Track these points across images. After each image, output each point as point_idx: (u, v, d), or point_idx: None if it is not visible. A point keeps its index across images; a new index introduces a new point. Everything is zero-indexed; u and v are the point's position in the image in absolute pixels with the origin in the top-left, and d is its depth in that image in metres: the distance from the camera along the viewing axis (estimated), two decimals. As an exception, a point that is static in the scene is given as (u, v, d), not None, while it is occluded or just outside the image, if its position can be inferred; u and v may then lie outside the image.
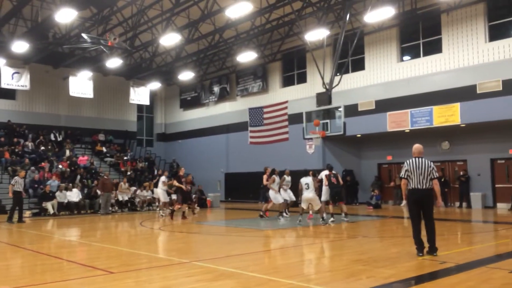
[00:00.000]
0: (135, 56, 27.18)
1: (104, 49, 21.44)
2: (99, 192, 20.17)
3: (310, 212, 14.99)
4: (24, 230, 13.67)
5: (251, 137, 25.93)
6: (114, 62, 24.03)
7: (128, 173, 25.13)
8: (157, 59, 27.58)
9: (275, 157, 23.94)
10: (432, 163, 7.86)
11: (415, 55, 21.10)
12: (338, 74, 20.00)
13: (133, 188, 22.33)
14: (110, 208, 20.14)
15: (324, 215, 13.74)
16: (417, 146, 8.01)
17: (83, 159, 25.07)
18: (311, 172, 14.58)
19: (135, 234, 13.22)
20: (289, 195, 15.72)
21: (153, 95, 30.94)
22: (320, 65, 19.72)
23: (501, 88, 17.65)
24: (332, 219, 13.84)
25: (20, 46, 20.57)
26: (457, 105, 18.54)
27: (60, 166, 23.15)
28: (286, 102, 24.45)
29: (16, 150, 23.78)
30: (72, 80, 25.59)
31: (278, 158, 23.47)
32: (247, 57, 23.51)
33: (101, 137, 29.03)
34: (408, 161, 7.87)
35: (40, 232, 13.51)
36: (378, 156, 24.03)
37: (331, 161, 22.28)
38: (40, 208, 18.99)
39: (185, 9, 20.37)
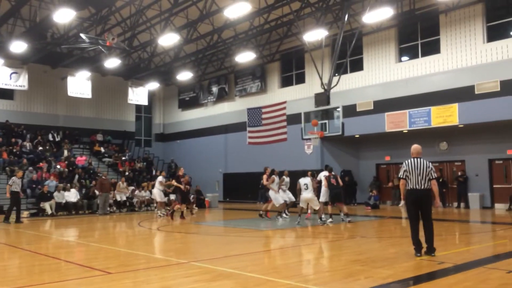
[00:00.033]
0: (134, 56, 27.15)
1: (103, 49, 21.45)
2: (97, 192, 20.18)
3: (309, 211, 15.02)
4: (22, 230, 13.65)
5: (250, 137, 25.97)
6: (112, 62, 23.99)
7: (126, 173, 25.10)
8: (156, 59, 27.55)
9: (274, 157, 23.94)
10: (430, 163, 7.87)
11: (413, 55, 21.13)
12: (336, 74, 20.02)
13: (131, 188, 22.33)
14: (108, 209, 20.14)
15: (323, 215, 13.81)
16: (415, 147, 8.03)
17: (81, 159, 25.04)
18: (309, 173, 14.68)
19: (133, 234, 13.21)
20: (288, 196, 15.72)
21: (151, 95, 30.89)
22: (319, 66, 19.75)
23: (499, 89, 17.66)
24: (330, 219, 13.89)
25: (18, 46, 20.55)
26: (455, 105, 18.58)
27: (58, 166, 23.11)
28: (285, 102, 24.51)
29: (14, 150, 23.73)
30: (70, 80, 25.56)
31: (277, 159, 23.47)
32: (245, 57, 23.49)
33: (99, 137, 28.97)
34: (406, 162, 7.88)
35: (38, 233, 13.47)
36: (376, 157, 24.05)
37: (329, 161, 22.32)
38: (38, 208, 18.97)
39: (184, 9, 20.35)
